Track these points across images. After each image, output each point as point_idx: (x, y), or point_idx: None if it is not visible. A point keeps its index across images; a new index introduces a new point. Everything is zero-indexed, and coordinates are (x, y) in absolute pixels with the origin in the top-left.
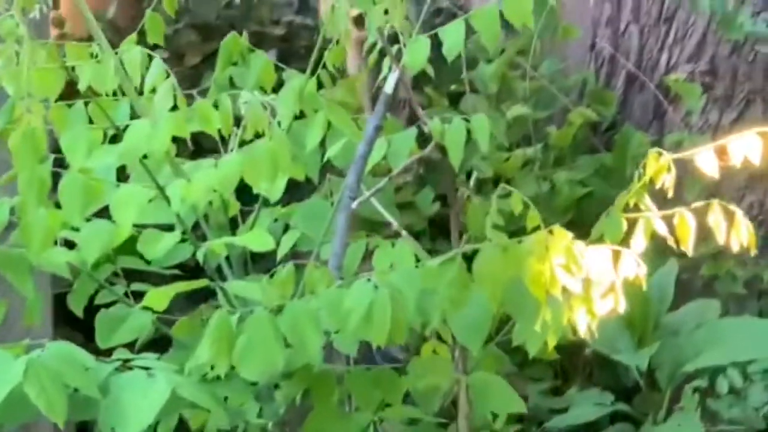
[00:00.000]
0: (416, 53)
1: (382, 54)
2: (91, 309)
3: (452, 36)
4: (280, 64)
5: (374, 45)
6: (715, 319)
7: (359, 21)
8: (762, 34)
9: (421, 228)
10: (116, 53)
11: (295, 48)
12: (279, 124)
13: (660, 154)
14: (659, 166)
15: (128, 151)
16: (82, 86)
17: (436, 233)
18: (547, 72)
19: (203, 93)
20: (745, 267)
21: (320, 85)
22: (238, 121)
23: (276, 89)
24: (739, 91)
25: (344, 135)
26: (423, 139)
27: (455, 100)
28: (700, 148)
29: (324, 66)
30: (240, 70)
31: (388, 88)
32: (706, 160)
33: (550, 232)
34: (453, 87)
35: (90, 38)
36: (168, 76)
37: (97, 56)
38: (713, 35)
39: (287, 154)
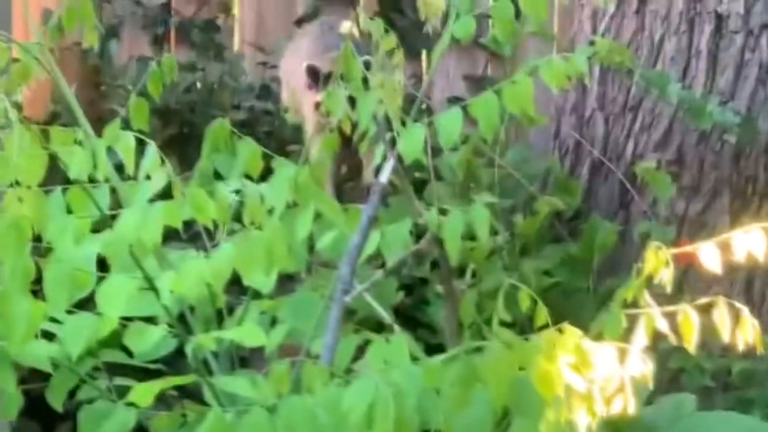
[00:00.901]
0: (411, 141)
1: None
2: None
3: (448, 125)
4: (267, 152)
5: (365, 132)
6: (690, 413)
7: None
8: (730, 123)
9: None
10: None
11: (257, 133)
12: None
13: (659, 248)
14: (658, 261)
15: (116, 241)
16: (72, 174)
17: (400, 323)
18: (512, 160)
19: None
20: (712, 359)
21: None
22: None
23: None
24: (706, 180)
25: (333, 226)
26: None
27: (420, 187)
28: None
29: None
30: (224, 157)
31: (383, 177)
32: (709, 255)
33: (560, 330)
34: (417, 174)
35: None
36: (163, 162)
37: (81, 142)
38: (680, 124)
39: (283, 246)
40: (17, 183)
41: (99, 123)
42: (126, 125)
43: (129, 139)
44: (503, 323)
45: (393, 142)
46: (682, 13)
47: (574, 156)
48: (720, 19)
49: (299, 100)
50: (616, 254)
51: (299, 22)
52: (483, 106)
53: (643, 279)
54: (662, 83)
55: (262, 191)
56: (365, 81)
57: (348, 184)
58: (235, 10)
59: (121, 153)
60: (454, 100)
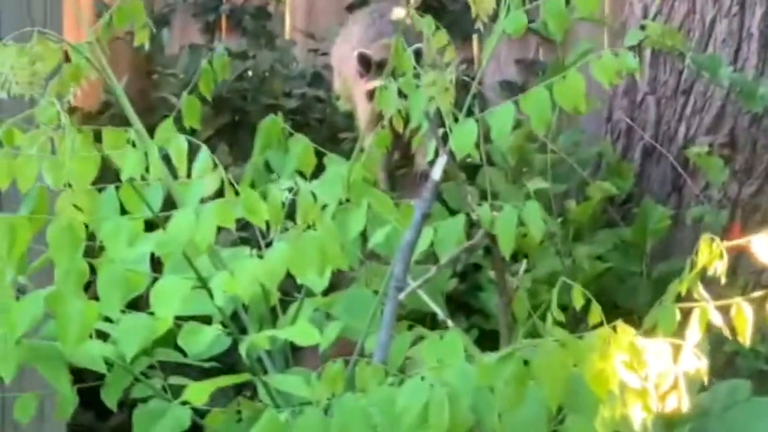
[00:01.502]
0: (463, 137)
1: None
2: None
3: (500, 120)
4: (320, 149)
5: (418, 127)
6: (745, 399)
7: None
8: None
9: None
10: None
11: (309, 121)
12: (323, 208)
13: (712, 240)
14: (712, 254)
15: (169, 241)
16: (124, 176)
17: (453, 309)
18: (564, 145)
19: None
20: (767, 342)
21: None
22: None
23: (315, 174)
24: (759, 163)
25: (386, 222)
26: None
27: (472, 172)
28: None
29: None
30: (277, 153)
31: (436, 174)
32: (761, 245)
33: (614, 328)
34: (469, 159)
35: (100, 112)
36: (216, 166)
37: (134, 143)
38: (732, 107)
39: (336, 245)
40: (70, 185)
41: (150, 112)
42: (178, 116)
43: (180, 141)
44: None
45: (445, 138)
46: None
47: (626, 140)
48: None
49: (351, 87)
50: (669, 238)
51: (350, 7)
52: (534, 101)
53: (697, 272)
54: (714, 66)
55: (315, 189)
56: (417, 75)
57: (401, 171)
58: None
59: (173, 155)
60: (505, 85)
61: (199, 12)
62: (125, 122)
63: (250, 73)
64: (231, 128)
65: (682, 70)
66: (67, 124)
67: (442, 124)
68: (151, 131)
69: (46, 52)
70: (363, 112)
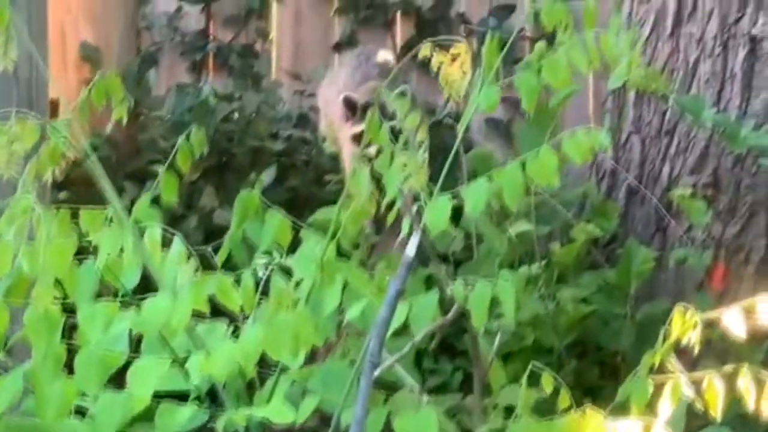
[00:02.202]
0: (437, 214)
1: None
2: None
3: (475, 195)
4: (296, 223)
5: (393, 203)
6: None
7: (359, 138)
8: (765, 146)
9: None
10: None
11: (295, 162)
12: (297, 284)
13: (686, 310)
14: (686, 324)
15: (145, 322)
16: (101, 257)
17: (438, 351)
18: (548, 186)
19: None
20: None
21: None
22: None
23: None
24: (742, 203)
25: (361, 295)
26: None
27: (457, 215)
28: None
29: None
30: (254, 225)
31: (410, 251)
32: (733, 320)
33: (583, 412)
34: (455, 202)
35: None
36: (190, 255)
37: (111, 220)
38: (715, 147)
39: (310, 327)
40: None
41: (137, 155)
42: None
43: (155, 232)
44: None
45: (420, 214)
46: (717, 36)
47: (610, 179)
48: (754, 42)
49: (336, 130)
50: (653, 279)
51: (337, 46)
52: (508, 178)
53: (670, 344)
54: (697, 108)
55: (290, 264)
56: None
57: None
58: (273, 35)
59: (147, 242)
60: (491, 123)
61: (186, 51)
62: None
63: (236, 114)
64: (217, 170)
65: (666, 110)
66: (42, 215)
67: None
68: (139, 175)
69: (25, 132)
70: (348, 155)
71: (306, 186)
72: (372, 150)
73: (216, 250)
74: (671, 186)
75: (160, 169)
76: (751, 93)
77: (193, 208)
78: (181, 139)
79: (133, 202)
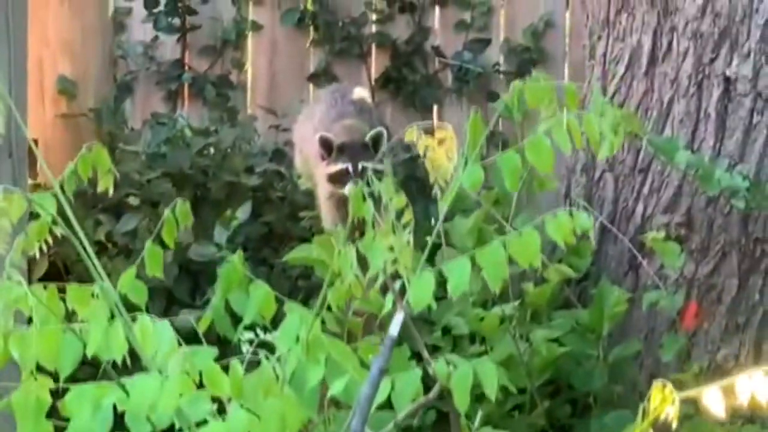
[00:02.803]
0: (421, 291)
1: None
2: None
3: (457, 274)
4: (279, 296)
5: (375, 279)
6: None
7: (334, 178)
8: (738, 187)
9: None
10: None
11: (270, 197)
12: (279, 358)
13: (664, 386)
14: (663, 398)
15: (133, 403)
16: (89, 351)
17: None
18: (522, 225)
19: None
20: None
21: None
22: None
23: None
24: (715, 243)
25: (345, 371)
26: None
27: (431, 254)
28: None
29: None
30: (238, 295)
31: (393, 329)
32: (713, 399)
33: None
34: (427, 238)
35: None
36: (180, 345)
37: (97, 296)
38: (689, 186)
39: (296, 413)
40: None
41: (114, 189)
42: (140, 190)
43: (145, 322)
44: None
45: (403, 291)
46: (691, 75)
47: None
48: (728, 82)
49: (312, 167)
50: (626, 319)
51: (311, 78)
52: (489, 257)
53: (649, 422)
54: (671, 149)
55: (274, 338)
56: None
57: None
58: (248, 66)
59: (137, 334)
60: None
61: (161, 80)
62: (87, 202)
63: (212, 149)
64: (192, 205)
65: (639, 148)
66: (33, 304)
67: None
68: (114, 209)
69: (11, 207)
70: (323, 193)
71: (281, 221)
72: (347, 190)
73: (198, 319)
74: (644, 224)
75: (147, 244)
76: (724, 133)
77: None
78: (167, 212)
79: (108, 235)
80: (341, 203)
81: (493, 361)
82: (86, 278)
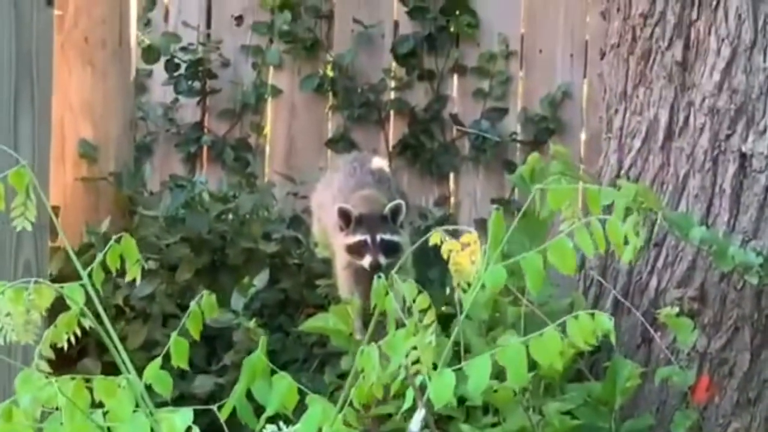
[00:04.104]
0: (442, 389)
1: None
2: None
3: (477, 374)
4: (303, 388)
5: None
6: None
7: (352, 249)
8: (752, 264)
9: None
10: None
11: (287, 264)
12: None
13: None
14: None
15: None
16: None
17: None
18: (537, 297)
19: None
20: None
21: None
22: None
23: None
24: (728, 317)
25: None
26: None
27: (446, 323)
28: None
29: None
30: (261, 385)
31: (415, 426)
32: None
33: None
34: (444, 309)
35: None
36: None
37: (124, 388)
38: (703, 261)
39: None
40: None
41: None
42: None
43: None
44: None
45: (423, 388)
46: (707, 151)
47: (598, 288)
48: (744, 158)
49: (330, 236)
50: (638, 392)
51: (329, 143)
52: (511, 355)
53: None
54: (686, 225)
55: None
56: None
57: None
58: (267, 129)
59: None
60: (480, 223)
61: (181, 143)
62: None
63: (230, 215)
64: (210, 270)
65: (655, 221)
66: (64, 406)
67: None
68: None
69: (40, 299)
70: (341, 263)
71: (297, 288)
72: (365, 263)
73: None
74: (658, 298)
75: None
76: (739, 209)
77: (185, 308)
78: (192, 305)
79: (126, 299)
80: (358, 274)
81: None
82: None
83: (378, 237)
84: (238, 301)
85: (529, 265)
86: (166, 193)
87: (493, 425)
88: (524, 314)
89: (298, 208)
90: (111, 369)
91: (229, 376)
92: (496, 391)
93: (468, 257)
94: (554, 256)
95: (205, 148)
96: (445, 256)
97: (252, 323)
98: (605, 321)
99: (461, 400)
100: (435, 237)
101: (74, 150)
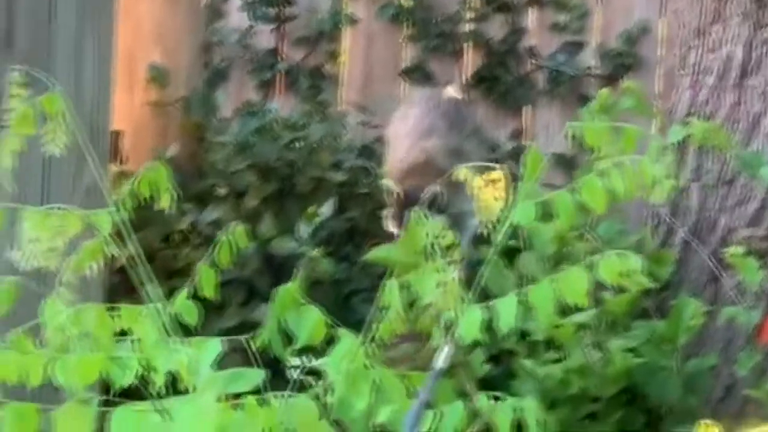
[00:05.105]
0: (470, 325)
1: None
2: None
3: (505, 312)
4: (332, 321)
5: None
6: None
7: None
8: None
9: None
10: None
11: (355, 193)
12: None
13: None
14: None
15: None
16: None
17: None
18: (605, 233)
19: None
20: None
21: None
22: None
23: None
24: None
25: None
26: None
27: (512, 257)
28: None
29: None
30: (293, 316)
31: (441, 362)
32: None
33: None
34: (511, 242)
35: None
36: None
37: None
38: None
39: None
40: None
41: (200, 178)
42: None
43: (180, 356)
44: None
45: (450, 326)
46: None
47: (667, 226)
48: None
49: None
50: (704, 332)
51: (404, 73)
52: (538, 295)
53: None
54: (756, 164)
55: (321, 365)
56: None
57: None
58: (343, 58)
59: (176, 365)
60: (556, 157)
61: (255, 69)
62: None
63: (299, 143)
64: (277, 198)
65: (726, 159)
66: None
67: None
68: (199, 197)
69: (67, 224)
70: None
71: (365, 218)
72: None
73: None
74: (727, 237)
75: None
76: None
77: (252, 235)
78: (222, 235)
79: (192, 225)
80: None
81: (567, 368)
82: (168, 267)
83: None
84: (304, 230)
85: (561, 202)
86: (237, 120)
87: (555, 361)
88: (589, 250)
89: (369, 137)
90: None
91: None
92: (559, 326)
93: (491, 194)
94: (585, 194)
95: (279, 75)
96: (471, 193)
97: (315, 252)
98: (633, 262)
99: (523, 335)
100: (462, 173)
101: (143, 74)
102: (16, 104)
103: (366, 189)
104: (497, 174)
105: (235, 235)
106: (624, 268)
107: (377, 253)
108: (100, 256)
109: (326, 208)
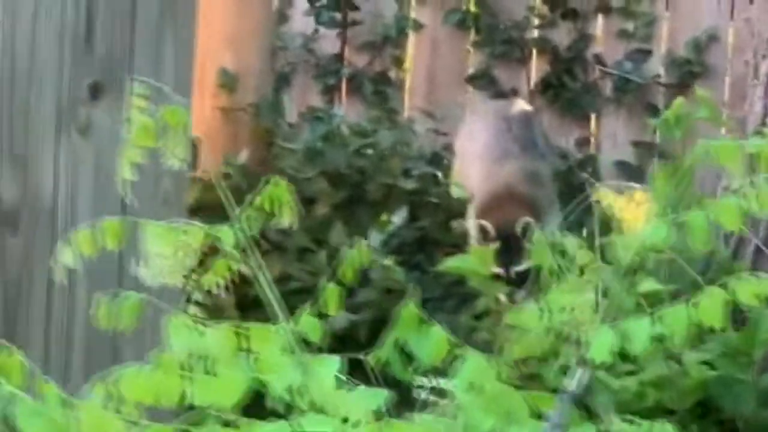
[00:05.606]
0: (602, 346)
1: None
2: None
3: (640, 335)
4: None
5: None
6: None
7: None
8: None
9: None
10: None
11: (425, 201)
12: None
13: None
14: None
15: None
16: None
17: None
18: (677, 243)
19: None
20: None
21: None
22: None
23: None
24: None
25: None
26: None
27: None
28: None
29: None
30: (412, 335)
31: (574, 386)
32: None
33: None
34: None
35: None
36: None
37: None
38: None
39: None
40: None
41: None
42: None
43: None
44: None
45: (579, 345)
46: None
47: (738, 237)
48: None
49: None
50: None
51: (470, 79)
52: (673, 318)
53: None
54: None
55: (447, 384)
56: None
57: None
58: (408, 64)
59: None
60: (621, 166)
61: (320, 74)
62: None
63: (369, 150)
64: (348, 205)
65: None
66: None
67: None
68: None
69: (191, 239)
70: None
71: (436, 227)
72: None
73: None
74: None
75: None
76: None
77: (322, 242)
78: (346, 251)
79: (262, 231)
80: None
81: (642, 381)
82: None
83: (512, 271)
84: (375, 238)
85: (694, 222)
86: (305, 126)
87: (630, 373)
88: (666, 260)
89: (438, 144)
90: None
91: (365, 314)
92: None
93: (634, 214)
94: (720, 214)
95: (343, 81)
96: (611, 213)
97: (388, 260)
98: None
99: None
100: (602, 195)
101: (214, 79)
102: (136, 115)
103: (436, 198)
104: (641, 195)
105: (360, 251)
106: (762, 290)
107: (450, 262)
108: (227, 273)
109: (398, 217)
